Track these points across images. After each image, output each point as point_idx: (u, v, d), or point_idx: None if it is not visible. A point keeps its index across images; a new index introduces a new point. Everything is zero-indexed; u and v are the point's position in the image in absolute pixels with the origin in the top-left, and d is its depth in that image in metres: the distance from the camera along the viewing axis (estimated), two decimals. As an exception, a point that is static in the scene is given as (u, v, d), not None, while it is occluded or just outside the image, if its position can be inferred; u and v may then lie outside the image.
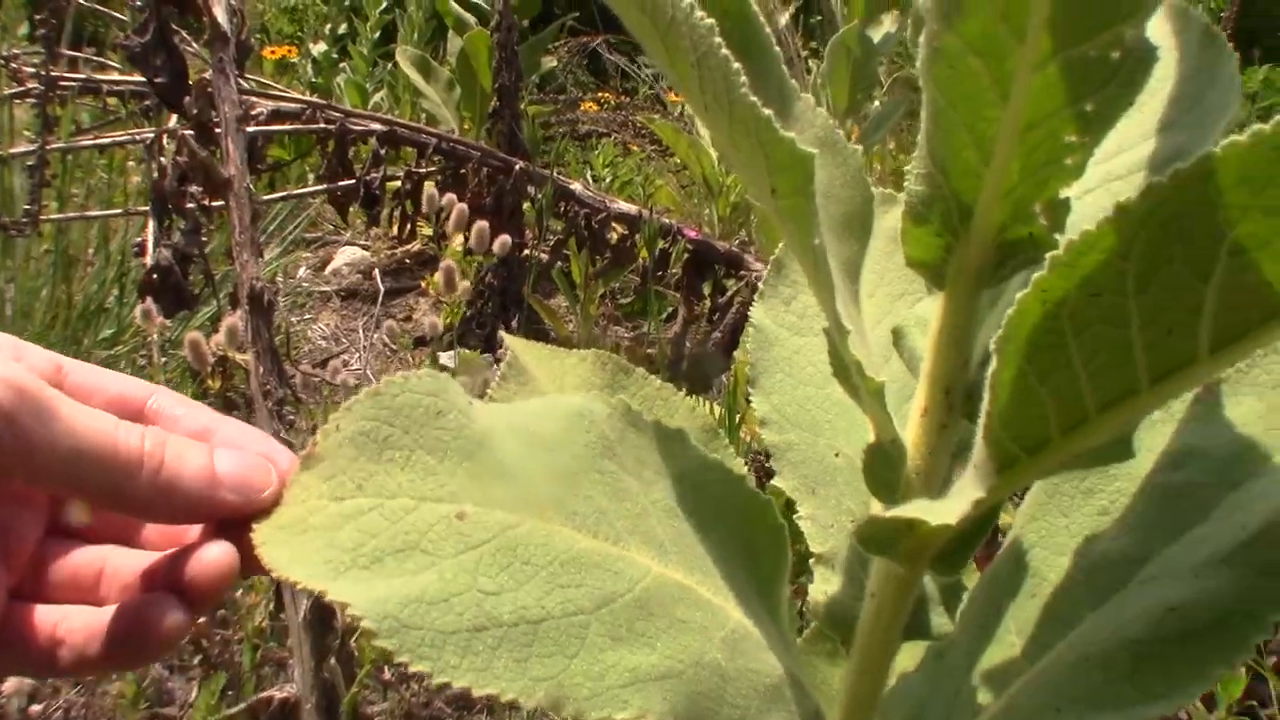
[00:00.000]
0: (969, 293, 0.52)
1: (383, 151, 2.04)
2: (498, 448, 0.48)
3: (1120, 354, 0.44)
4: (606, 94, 5.24)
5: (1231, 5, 3.67)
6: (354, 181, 2.07)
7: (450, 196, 1.42)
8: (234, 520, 0.46)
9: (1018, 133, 0.48)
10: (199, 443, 0.48)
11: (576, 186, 2.06)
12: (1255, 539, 0.56)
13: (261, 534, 0.43)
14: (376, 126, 2.09)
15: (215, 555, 0.46)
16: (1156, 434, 0.68)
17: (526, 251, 2.16)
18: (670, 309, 2.18)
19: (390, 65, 4.64)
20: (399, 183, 2.10)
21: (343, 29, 5.14)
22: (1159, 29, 0.63)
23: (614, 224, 2.02)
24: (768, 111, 0.47)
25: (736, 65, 0.47)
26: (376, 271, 3.21)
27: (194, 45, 2.52)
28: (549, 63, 4.25)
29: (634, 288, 2.38)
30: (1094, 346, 0.43)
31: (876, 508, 0.58)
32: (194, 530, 0.48)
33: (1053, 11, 0.44)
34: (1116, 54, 0.45)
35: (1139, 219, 0.40)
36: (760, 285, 0.72)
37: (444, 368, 2.07)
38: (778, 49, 0.58)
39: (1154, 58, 0.46)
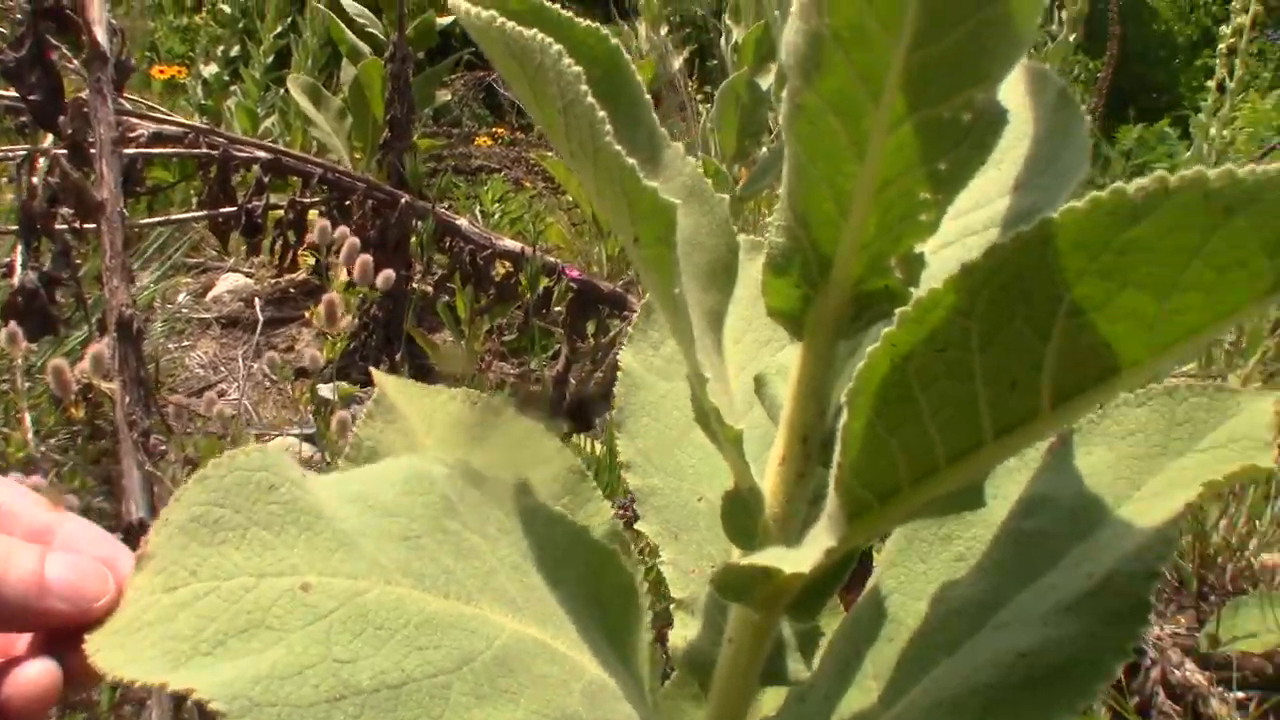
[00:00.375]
0: (827, 343, 0.53)
1: (266, 179, 2.00)
2: (336, 517, 0.47)
3: (966, 408, 0.45)
4: (501, 129, 5.24)
5: (1106, 67, 3.81)
6: (236, 209, 2.03)
7: (342, 229, 1.41)
8: (68, 630, 0.43)
9: (874, 189, 0.49)
10: (31, 545, 0.45)
11: (463, 222, 2.05)
12: (1100, 588, 0.57)
13: (94, 642, 0.41)
14: (261, 154, 2.05)
15: (33, 675, 0.43)
16: (1012, 481, 0.70)
17: (411, 285, 2.14)
18: (556, 347, 2.18)
19: (283, 90, 4.58)
20: (282, 211, 2.07)
21: (235, 51, 5.04)
22: (1016, 89, 0.65)
23: (499, 261, 2.01)
24: (631, 161, 0.47)
25: (602, 114, 0.48)
26: (258, 300, 3.15)
27: (74, 63, 2.46)
28: (444, 96, 4.23)
29: (519, 324, 2.37)
30: (941, 400, 0.45)
31: (736, 554, 0.58)
32: (23, 640, 0.45)
33: (907, 74, 0.45)
34: (968, 116, 0.47)
35: (982, 278, 0.41)
36: (630, 329, 0.72)
37: (324, 400, 2.04)
38: (649, 97, 0.59)
39: (1004, 120, 0.48)
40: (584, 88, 0.48)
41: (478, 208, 2.82)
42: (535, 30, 0.50)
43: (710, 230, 0.57)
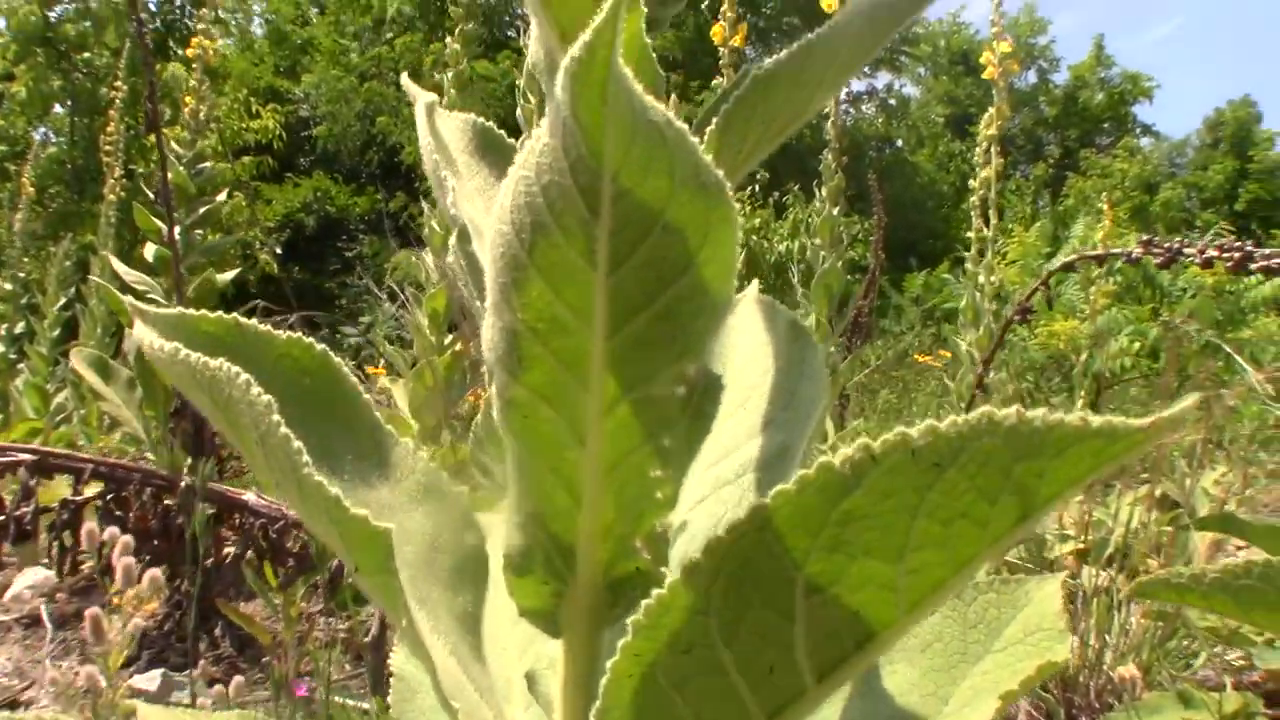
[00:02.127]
0: (588, 635, 0.50)
1: (33, 482, 1.89)
2: None
3: (728, 699, 0.42)
4: (306, 370, 5.14)
5: (877, 229, 4.02)
6: (3, 517, 1.90)
7: (111, 530, 1.32)
8: None
9: (603, 473, 0.47)
10: None
11: (250, 496, 1.97)
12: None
13: None
14: (25, 456, 1.94)
15: None
16: (823, 714, 0.67)
17: (211, 564, 2.02)
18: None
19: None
20: (54, 514, 1.95)
21: (20, 328, 4.86)
22: (755, 323, 0.65)
23: (296, 530, 1.92)
24: (335, 491, 0.44)
25: (298, 445, 0.44)
26: (61, 594, 2.94)
27: None
28: (236, 349, 4.15)
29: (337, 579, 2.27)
30: (700, 697, 0.42)
31: None
32: None
33: (611, 358, 0.44)
34: (683, 390, 0.45)
35: (709, 574, 0.38)
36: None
37: (141, 691, 1.89)
38: (368, 396, 0.56)
39: (720, 385, 0.47)
40: (276, 418, 0.45)
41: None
42: (222, 360, 0.47)
43: (453, 528, 0.54)
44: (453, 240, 0.53)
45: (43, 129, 13.04)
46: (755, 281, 0.67)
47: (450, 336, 2.99)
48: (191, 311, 0.52)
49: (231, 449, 3.46)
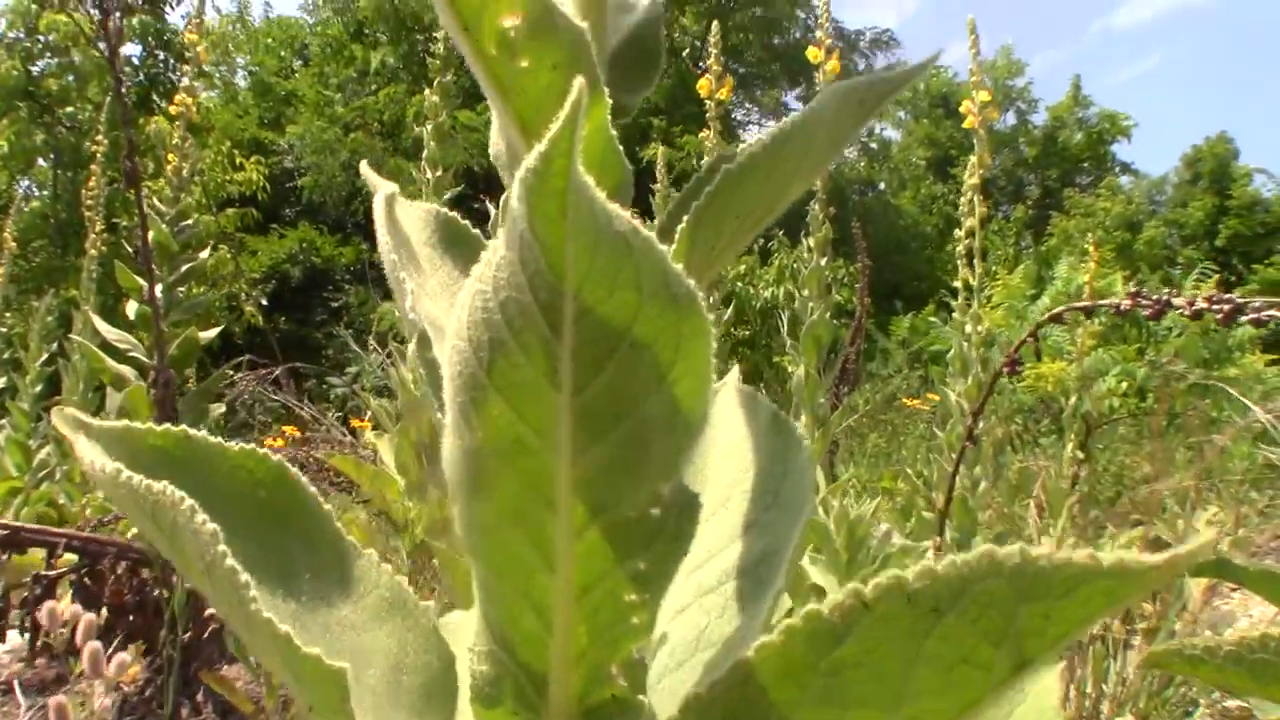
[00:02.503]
0: (563, 768, 0.46)
1: (5, 557, 1.84)
2: None
3: None
4: (291, 427, 5.10)
5: (862, 276, 4.01)
6: (-25, 593, 1.85)
7: (74, 608, 1.27)
8: None
9: (574, 597, 0.43)
10: None
11: (235, 559, 1.92)
12: None
13: None
14: (-2, 531, 1.89)
15: None
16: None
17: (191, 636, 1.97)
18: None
19: (56, 418, 4.35)
20: (27, 588, 1.89)
21: (2, 383, 4.80)
22: (735, 415, 0.62)
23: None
24: (285, 629, 0.40)
25: (245, 578, 0.41)
26: (40, 660, 2.87)
27: None
28: (217, 409, 4.10)
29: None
30: None
31: None
32: None
33: (578, 480, 0.41)
34: (657, 511, 0.42)
35: (689, 731, 0.35)
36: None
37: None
38: (329, 506, 0.52)
39: (698, 504, 0.43)
40: (222, 548, 0.42)
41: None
42: (165, 484, 0.43)
43: (418, 648, 0.51)
44: (411, 347, 0.50)
45: (25, 182, 13.02)
46: (736, 369, 0.64)
47: (434, 393, 2.95)
48: (137, 426, 0.49)
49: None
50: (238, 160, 13.21)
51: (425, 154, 3.11)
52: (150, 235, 3.43)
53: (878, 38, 24.42)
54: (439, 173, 3.02)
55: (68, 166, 12.31)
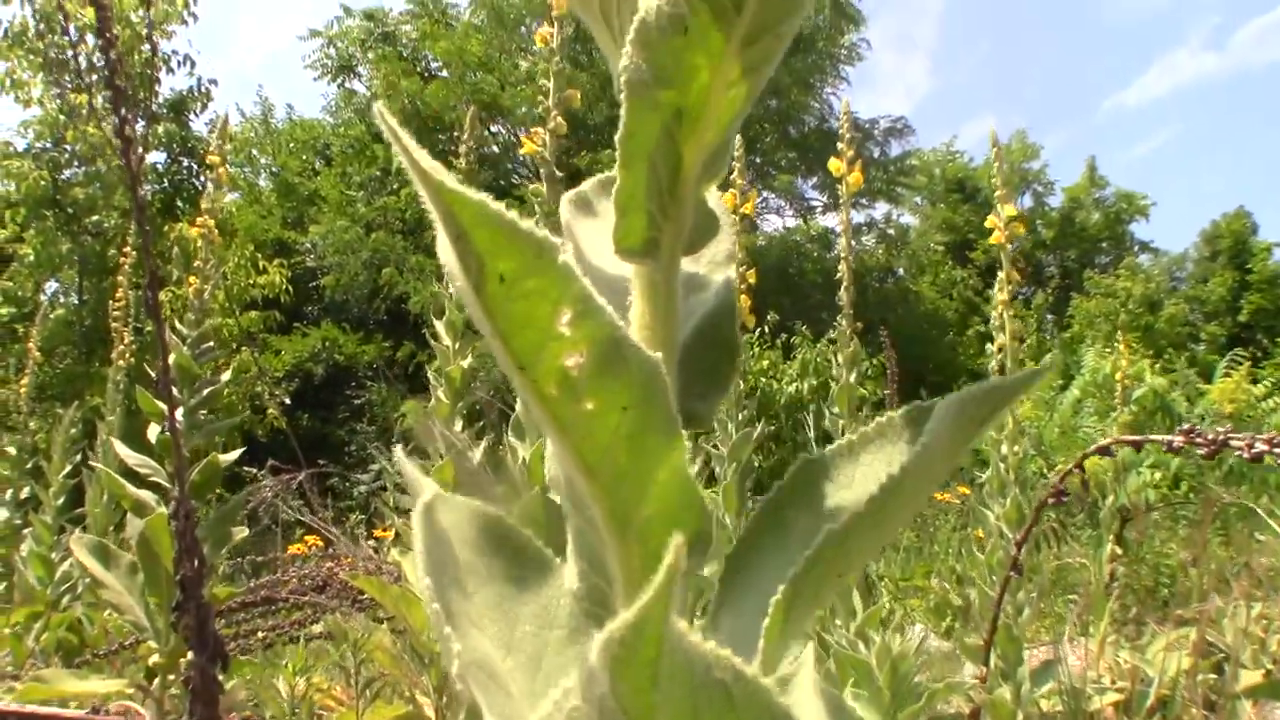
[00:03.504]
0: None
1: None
2: None
3: None
4: (314, 538, 5.05)
5: (890, 384, 3.96)
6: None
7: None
8: None
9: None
10: None
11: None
12: None
13: None
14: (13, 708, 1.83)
15: None
16: None
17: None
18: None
19: (79, 529, 4.30)
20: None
21: (25, 493, 4.77)
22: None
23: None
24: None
25: None
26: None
27: None
28: (240, 532, 4.05)
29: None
30: None
31: None
32: None
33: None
34: None
35: None
36: None
37: None
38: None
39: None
40: None
41: (279, 680, 2.59)
42: None
43: None
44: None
45: (51, 288, 13.13)
46: (811, 658, 0.58)
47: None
48: None
49: (236, 649, 3.34)
50: (261, 264, 13.33)
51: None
52: (171, 358, 3.41)
53: (892, 126, 24.53)
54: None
55: (94, 274, 12.43)
